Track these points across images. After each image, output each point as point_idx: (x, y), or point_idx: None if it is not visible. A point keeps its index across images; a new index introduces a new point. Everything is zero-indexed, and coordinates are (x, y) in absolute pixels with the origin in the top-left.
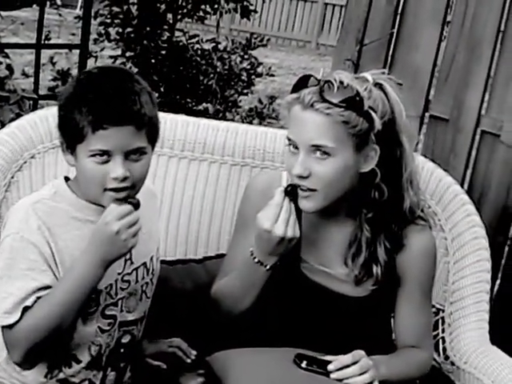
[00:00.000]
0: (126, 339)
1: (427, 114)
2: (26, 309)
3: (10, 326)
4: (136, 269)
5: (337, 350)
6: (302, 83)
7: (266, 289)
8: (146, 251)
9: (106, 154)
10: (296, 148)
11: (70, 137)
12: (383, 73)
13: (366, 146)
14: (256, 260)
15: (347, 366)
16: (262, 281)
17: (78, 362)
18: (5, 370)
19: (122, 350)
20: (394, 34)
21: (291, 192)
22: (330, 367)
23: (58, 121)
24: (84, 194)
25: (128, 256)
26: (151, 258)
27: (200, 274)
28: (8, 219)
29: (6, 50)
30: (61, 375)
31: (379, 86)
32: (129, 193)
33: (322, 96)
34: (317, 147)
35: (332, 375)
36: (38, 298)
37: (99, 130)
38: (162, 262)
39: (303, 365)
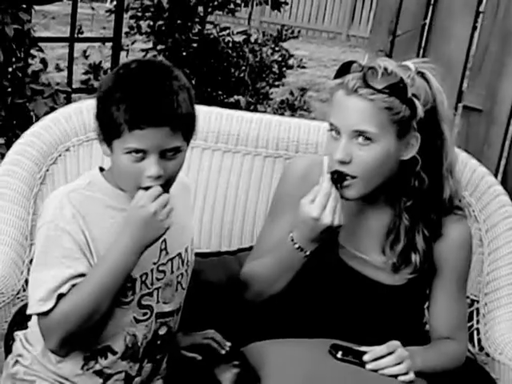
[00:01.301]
0: (162, 331)
1: (460, 105)
2: (60, 296)
3: (46, 314)
4: (171, 259)
5: (370, 338)
6: (345, 69)
7: (303, 273)
8: (181, 242)
9: (141, 152)
10: (338, 133)
11: (107, 131)
12: (425, 62)
13: (408, 133)
14: (297, 246)
15: (382, 357)
16: (299, 265)
17: (114, 352)
18: (40, 363)
19: (158, 342)
20: (427, 25)
21: (338, 179)
22: (366, 358)
23: (95, 113)
24: (118, 184)
25: (163, 246)
26: (186, 249)
27: (233, 265)
28: (44, 208)
29: (40, 44)
30: (97, 366)
31: (421, 74)
32: (162, 190)
33: (365, 82)
34: (359, 133)
35: (367, 366)
36: (73, 285)
37: (135, 130)
38: (196, 254)
39: (338, 355)
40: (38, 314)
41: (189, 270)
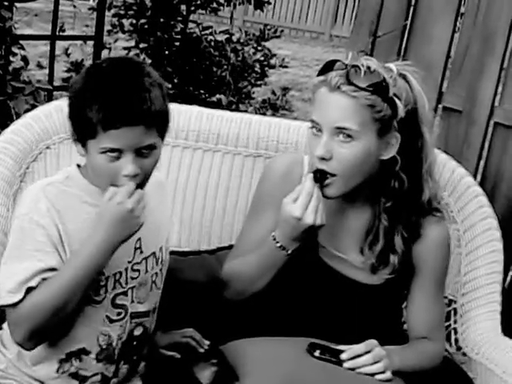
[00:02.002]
0: (138, 331)
1: (440, 106)
2: (30, 289)
3: (14, 306)
4: (146, 258)
5: (349, 337)
6: (328, 67)
7: (283, 272)
8: (156, 241)
9: (116, 152)
10: (319, 130)
11: (81, 132)
12: (407, 64)
13: (389, 132)
14: (278, 245)
15: (360, 356)
16: (281, 264)
17: (87, 352)
18: (16, 366)
19: (134, 343)
20: (408, 26)
21: (320, 178)
22: (343, 356)
23: (68, 113)
24: (94, 182)
25: (138, 245)
26: (160, 249)
27: (212, 264)
28: (20, 201)
29: (21, 42)
30: (72, 369)
31: (403, 76)
32: (138, 187)
33: (348, 79)
34: (341, 129)
35: (345, 364)
36: (43, 279)
37: (110, 130)
38: (175, 253)
39: (316, 354)
40: (7, 306)
41: (163, 269)
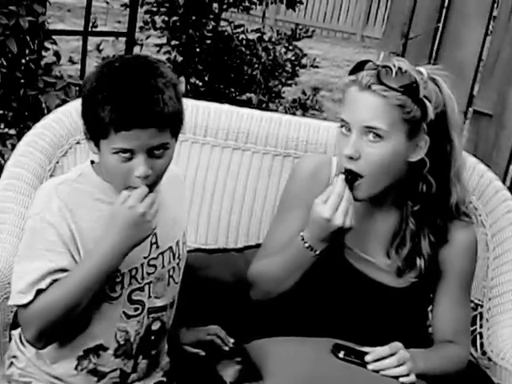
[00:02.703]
0: (156, 326)
1: (471, 109)
2: (40, 291)
3: (25, 306)
4: (162, 253)
5: (373, 339)
6: (359, 67)
7: (309, 273)
8: (172, 235)
9: (128, 152)
10: (348, 130)
11: (94, 131)
12: (438, 69)
13: (418, 134)
14: (307, 245)
15: (384, 358)
16: (309, 265)
17: (105, 349)
18: (35, 365)
19: (152, 338)
20: (440, 29)
21: (351, 180)
22: (367, 358)
23: (81, 112)
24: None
25: (154, 240)
26: (177, 243)
27: (239, 262)
28: (33, 200)
29: (54, 37)
30: (90, 365)
31: (433, 80)
32: (150, 187)
33: (379, 79)
34: (370, 129)
35: (369, 366)
36: (54, 280)
37: (121, 131)
38: (202, 250)
39: (340, 355)
40: (18, 306)
41: (180, 263)
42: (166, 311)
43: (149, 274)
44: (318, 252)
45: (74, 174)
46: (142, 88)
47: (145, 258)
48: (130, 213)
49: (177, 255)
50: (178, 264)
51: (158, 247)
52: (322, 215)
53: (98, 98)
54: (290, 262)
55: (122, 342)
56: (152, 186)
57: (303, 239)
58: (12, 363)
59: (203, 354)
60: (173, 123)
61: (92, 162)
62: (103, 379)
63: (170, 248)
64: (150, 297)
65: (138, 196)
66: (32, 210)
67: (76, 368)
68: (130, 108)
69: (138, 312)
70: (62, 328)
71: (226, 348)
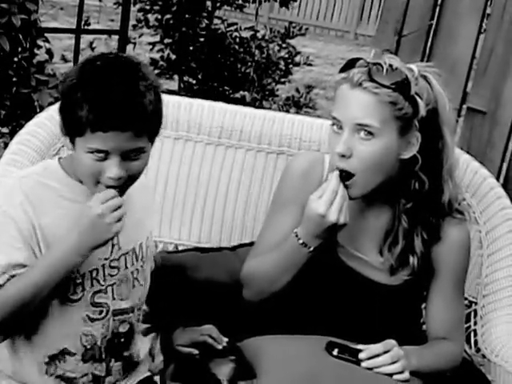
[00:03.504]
0: (123, 328)
1: (464, 106)
2: None
3: None
4: (124, 255)
5: (367, 337)
6: (351, 64)
7: (302, 271)
8: (135, 238)
9: (103, 153)
10: (340, 128)
11: (70, 128)
12: (429, 66)
13: (409, 131)
14: (301, 241)
15: (378, 355)
16: (302, 262)
17: (71, 354)
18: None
19: (122, 340)
20: (433, 26)
21: (346, 177)
22: (361, 356)
23: (59, 107)
24: (78, 177)
25: (115, 241)
26: (140, 245)
27: (233, 261)
28: None
29: (46, 35)
30: (58, 371)
31: (424, 77)
32: (124, 188)
33: (370, 76)
34: (361, 126)
35: (363, 364)
36: (13, 276)
37: (98, 132)
38: (196, 249)
39: (334, 353)
40: None
41: (145, 265)
42: (133, 313)
43: (111, 275)
44: (311, 249)
45: (39, 168)
46: (122, 90)
47: (105, 259)
48: (87, 212)
49: (140, 257)
50: (141, 266)
51: (119, 249)
52: (316, 211)
53: (77, 95)
54: (284, 259)
55: (88, 347)
56: (124, 188)
57: (297, 236)
58: None
59: (197, 352)
60: (151, 128)
61: (59, 159)
62: None
63: (133, 250)
64: (114, 299)
65: (102, 198)
66: None
67: (46, 373)
68: (109, 110)
69: (103, 315)
70: (15, 323)
71: (220, 347)
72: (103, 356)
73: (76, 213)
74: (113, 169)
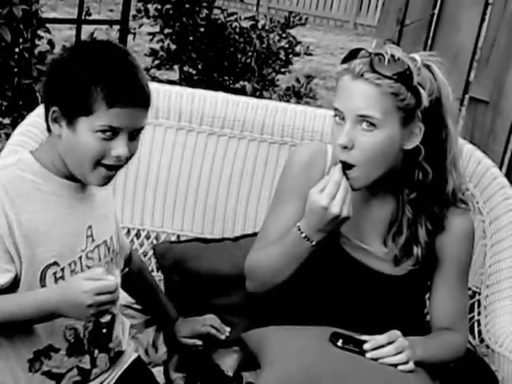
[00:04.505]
0: (105, 319)
1: (467, 96)
2: None
3: None
4: (98, 246)
5: (371, 327)
6: (352, 55)
7: (306, 262)
8: (106, 230)
9: (112, 131)
10: (342, 119)
11: (75, 107)
12: (431, 55)
13: (412, 122)
14: (303, 235)
15: (383, 346)
16: (305, 255)
17: (56, 350)
18: None
19: (103, 330)
20: (435, 15)
21: (347, 167)
22: (366, 346)
23: (54, 89)
24: (69, 168)
25: (89, 233)
26: (111, 238)
27: (235, 251)
28: None
29: (47, 25)
30: (44, 367)
31: (427, 67)
32: (116, 169)
33: (372, 67)
34: (364, 118)
35: (367, 354)
36: None
37: (114, 108)
38: (198, 239)
39: (339, 343)
40: None
41: (115, 258)
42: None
43: (88, 267)
44: (314, 243)
45: (13, 160)
46: (132, 68)
47: (82, 250)
48: (78, 295)
49: (111, 249)
50: (112, 259)
51: (93, 240)
52: (319, 203)
53: (88, 74)
54: (287, 253)
55: (72, 341)
56: (117, 168)
57: (299, 229)
58: None
59: (200, 343)
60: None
61: (31, 152)
62: (62, 381)
63: (105, 242)
64: None
65: (100, 287)
66: None
67: (30, 370)
68: (130, 85)
69: None
70: None
71: (223, 337)
72: (86, 348)
73: (55, 205)
74: (121, 147)
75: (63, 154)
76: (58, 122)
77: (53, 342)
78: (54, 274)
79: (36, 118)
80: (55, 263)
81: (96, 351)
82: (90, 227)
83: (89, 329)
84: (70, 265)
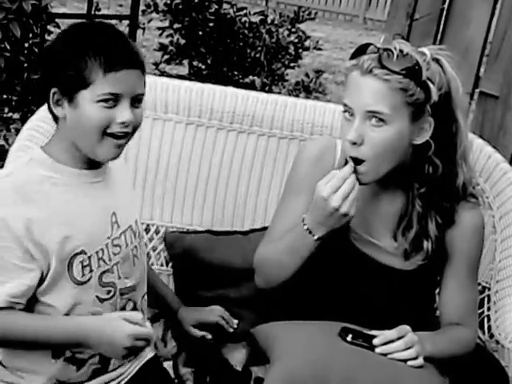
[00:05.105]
0: (129, 307)
1: (477, 91)
2: None
3: None
4: (123, 232)
5: (381, 322)
6: (361, 50)
7: (315, 257)
8: (130, 214)
9: (113, 98)
10: (351, 115)
11: (73, 83)
12: (441, 49)
13: (422, 117)
14: (306, 227)
15: (392, 341)
16: (309, 251)
17: None
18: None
19: None
20: (445, 10)
21: (357, 161)
22: (375, 341)
23: (50, 71)
24: (79, 147)
25: (114, 219)
26: (136, 222)
27: (245, 245)
28: None
29: (57, 20)
30: (67, 353)
31: (436, 60)
32: (126, 140)
33: (381, 62)
34: (373, 113)
35: (377, 349)
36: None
37: (111, 72)
38: (209, 232)
39: (348, 338)
40: None
41: (141, 242)
42: (135, 291)
43: (115, 254)
44: (316, 237)
45: (23, 160)
46: (121, 36)
47: (108, 238)
48: (119, 338)
49: (137, 234)
50: (139, 243)
51: (118, 227)
52: (320, 194)
53: (81, 46)
54: (291, 247)
55: None
56: (125, 137)
57: (303, 221)
58: None
59: (210, 337)
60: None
61: (41, 147)
62: (83, 367)
63: (130, 227)
64: (119, 278)
65: (141, 334)
66: None
67: (53, 357)
68: (118, 49)
69: (111, 294)
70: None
71: (231, 329)
72: None
73: (74, 196)
74: (125, 112)
75: (71, 136)
76: (60, 104)
77: None
78: (81, 261)
79: (45, 112)
80: (82, 252)
81: None
82: (114, 214)
83: None
84: (97, 253)
